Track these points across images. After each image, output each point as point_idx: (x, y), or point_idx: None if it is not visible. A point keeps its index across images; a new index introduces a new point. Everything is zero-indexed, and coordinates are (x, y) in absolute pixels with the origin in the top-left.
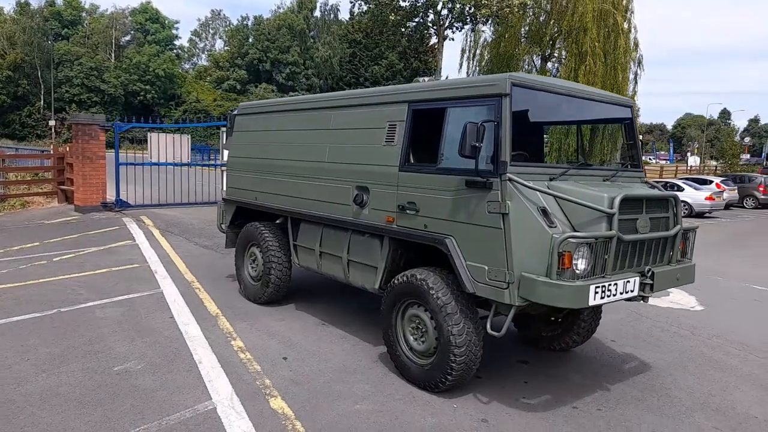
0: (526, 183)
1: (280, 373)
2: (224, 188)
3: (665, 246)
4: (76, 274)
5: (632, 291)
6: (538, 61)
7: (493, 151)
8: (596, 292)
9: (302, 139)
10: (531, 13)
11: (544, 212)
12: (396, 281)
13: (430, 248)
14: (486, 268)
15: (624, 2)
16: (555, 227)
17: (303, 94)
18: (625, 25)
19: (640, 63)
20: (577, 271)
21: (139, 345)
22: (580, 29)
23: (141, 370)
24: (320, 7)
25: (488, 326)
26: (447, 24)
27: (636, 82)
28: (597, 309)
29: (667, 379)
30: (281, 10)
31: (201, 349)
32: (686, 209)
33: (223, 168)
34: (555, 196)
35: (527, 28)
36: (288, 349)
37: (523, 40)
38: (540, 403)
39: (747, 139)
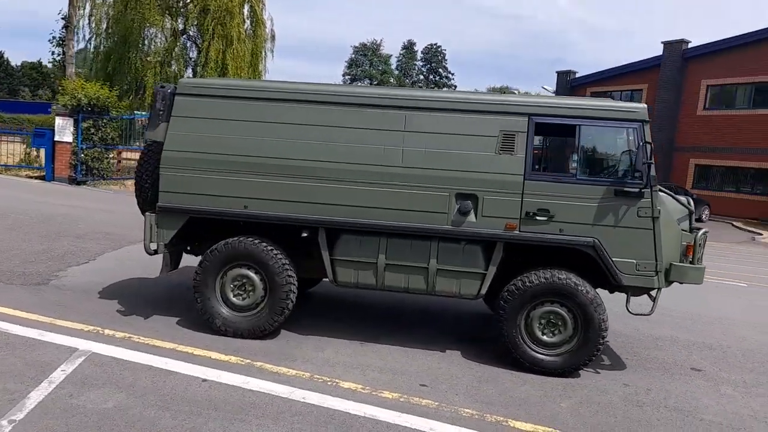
0: (665, 191)
1: (455, 400)
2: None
3: None
4: None
5: None
6: (168, 36)
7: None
8: None
9: (350, 139)
10: None
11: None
12: (528, 284)
13: (536, 250)
14: (635, 262)
15: None
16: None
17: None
18: (263, 16)
19: (272, 52)
20: None
21: (267, 425)
22: (227, 12)
23: None
24: None
25: (628, 308)
26: None
27: (266, 71)
28: None
29: (633, 329)
30: None
31: (339, 402)
32: None
33: None
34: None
35: None
36: (403, 376)
37: (157, 8)
38: (618, 361)
39: None
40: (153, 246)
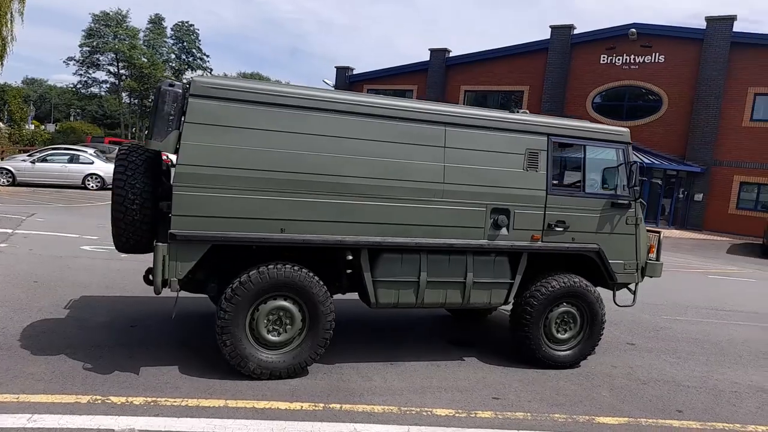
0: (643, 201)
1: (534, 407)
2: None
3: None
4: None
5: None
6: None
7: (628, 182)
8: None
9: (392, 154)
10: None
11: None
12: (551, 289)
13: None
14: (623, 262)
15: None
16: None
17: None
18: None
19: (22, 15)
20: None
21: None
22: None
23: None
24: None
25: (615, 301)
26: None
27: (13, 39)
28: None
29: None
30: None
31: None
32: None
33: None
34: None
35: None
36: (471, 393)
37: None
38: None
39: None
40: (169, 281)
